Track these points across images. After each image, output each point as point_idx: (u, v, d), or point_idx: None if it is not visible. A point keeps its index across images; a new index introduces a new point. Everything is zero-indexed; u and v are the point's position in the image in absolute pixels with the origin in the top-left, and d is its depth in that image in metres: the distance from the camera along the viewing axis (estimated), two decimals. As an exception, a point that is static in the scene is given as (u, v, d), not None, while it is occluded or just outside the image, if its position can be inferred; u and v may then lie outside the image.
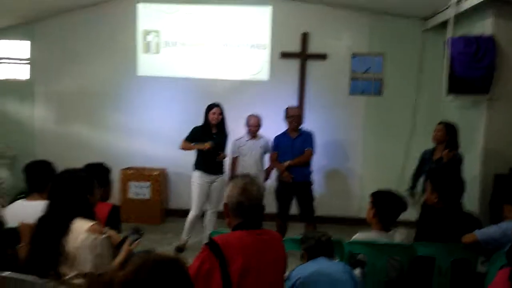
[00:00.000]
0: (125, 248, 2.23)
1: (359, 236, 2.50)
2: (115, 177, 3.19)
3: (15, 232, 2.09)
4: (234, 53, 5.59)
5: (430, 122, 4.52)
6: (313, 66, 5.53)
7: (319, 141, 4.65)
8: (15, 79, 5.76)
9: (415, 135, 5.39)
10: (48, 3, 5.27)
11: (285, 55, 5.52)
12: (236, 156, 4.58)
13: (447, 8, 4.57)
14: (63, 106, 5.74)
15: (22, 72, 5.76)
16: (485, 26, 4.25)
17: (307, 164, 4.33)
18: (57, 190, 2.04)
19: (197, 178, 4.33)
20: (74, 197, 2.01)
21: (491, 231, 2.43)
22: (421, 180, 3.96)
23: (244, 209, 1.79)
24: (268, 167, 4.68)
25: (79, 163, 2.50)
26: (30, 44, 5.68)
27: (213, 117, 4.25)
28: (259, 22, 5.55)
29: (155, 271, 1.14)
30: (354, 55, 5.52)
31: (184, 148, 4.32)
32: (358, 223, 4.56)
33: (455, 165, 3.66)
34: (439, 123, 3.99)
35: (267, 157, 4.62)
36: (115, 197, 3.65)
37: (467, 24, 4.55)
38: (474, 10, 4.29)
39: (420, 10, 5.20)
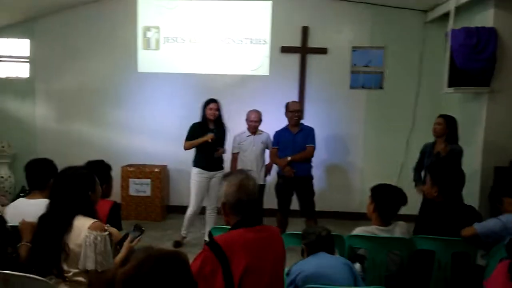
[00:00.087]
0: (126, 245, 2.24)
1: (359, 230, 2.51)
2: (116, 174, 3.19)
3: (16, 230, 2.10)
4: (234, 48, 5.57)
5: (431, 115, 4.50)
6: (313, 60, 5.51)
7: (320, 136, 4.64)
8: (15, 77, 5.76)
9: (416, 129, 5.38)
10: (47, 0, 5.25)
11: (286, 50, 5.50)
12: (237, 152, 4.59)
13: (448, 0, 4.54)
14: (63, 103, 5.74)
15: (23, 70, 5.77)
16: (486, 18, 4.22)
17: (308, 160, 4.33)
18: (59, 188, 2.05)
19: (195, 175, 4.34)
20: (75, 195, 2.02)
21: (490, 224, 2.43)
22: (423, 173, 3.96)
23: (243, 205, 1.77)
24: (269, 163, 4.68)
25: (80, 161, 2.51)
26: (29, 42, 5.68)
27: (210, 112, 4.25)
28: (259, 17, 5.52)
29: (157, 266, 1.14)
30: (354, 49, 5.50)
31: (188, 148, 4.32)
32: (359, 217, 4.57)
33: (455, 158, 3.65)
34: (439, 116, 3.99)
35: (267, 152, 4.62)
36: (115, 195, 3.66)
37: (468, 16, 4.52)
38: (475, 1, 4.27)
39: (421, 2, 5.18)
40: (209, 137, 4.17)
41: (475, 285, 2.47)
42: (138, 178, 5.33)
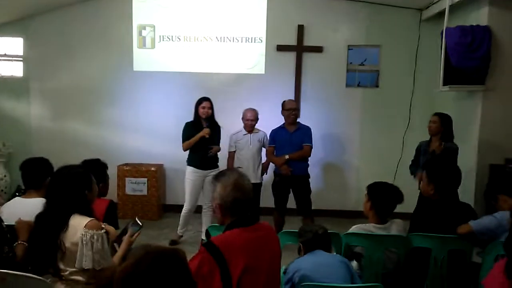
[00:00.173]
0: (126, 240, 2.24)
1: (356, 228, 2.52)
2: (112, 173, 3.18)
3: (12, 230, 2.09)
4: (230, 46, 5.56)
5: (426, 114, 4.53)
6: (309, 59, 5.52)
7: (316, 134, 4.65)
8: (10, 76, 5.72)
9: (411, 127, 5.40)
10: (41, -2, 5.24)
11: (281, 48, 5.50)
12: (233, 151, 4.58)
13: (442, -2, 4.57)
14: (58, 102, 5.71)
15: (17, 69, 5.72)
16: (480, 16, 4.25)
17: (305, 158, 4.34)
18: (55, 187, 2.04)
19: (189, 174, 4.34)
20: (72, 194, 2.01)
21: (486, 221, 2.44)
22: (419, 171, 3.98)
23: (240, 205, 1.75)
24: (266, 161, 4.69)
25: (75, 160, 2.50)
26: (23, 40, 5.64)
27: (203, 111, 4.24)
28: (254, 15, 5.52)
29: (155, 263, 1.14)
30: (350, 47, 5.51)
31: (187, 148, 4.29)
32: (356, 215, 4.58)
33: (451, 156, 3.67)
34: (434, 114, 4.01)
35: (264, 151, 4.62)
36: (111, 194, 3.65)
37: (462, 14, 4.54)
38: (469, 0, 4.29)
39: (416, 1, 5.20)
40: (205, 132, 4.17)
41: (471, 282, 2.49)
42: (135, 177, 5.32)
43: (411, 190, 3.82)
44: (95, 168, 2.49)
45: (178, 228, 4.51)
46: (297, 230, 2.41)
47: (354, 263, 2.41)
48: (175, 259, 1.18)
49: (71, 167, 2.11)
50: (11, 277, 1.78)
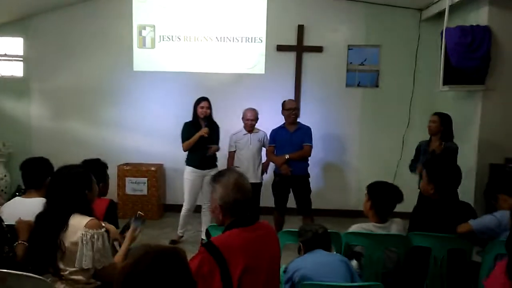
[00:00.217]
0: (128, 235, 2.25)
1: (356, 227, 2.52)
2: (112, 173, 3.19)
3: (12, 229, 2.10)
4: (230, 46, 5.57)
5: (426, 114, 4.52)
6: (309, 59, 5.52)
7: (316, 134, 4.65)
8: (10, 76, 5.73)
9: (411, 127, 5.40)
10: (41, -2, 5.24)
11: (281, 48, 5.51)
12: (234, 150, 4.59)
13: (442, -2, 4.57)
14: (59, 102, 5.71)
15: (17, 69, 5.73)
16: (480, 16, 4.25)
17: (305, 158, 4.34)
18: (55, 187, 2.04)
19: (188, 174, 4.35)
20: (72, 193, 2.01)
21: (486, 220, 2.44)
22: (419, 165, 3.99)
23: (241, 205, 1.75)
24: (266, 161, 4.69)
25: (75, 160, 2.50)
26: (23, 40, 5.64)
27: (201, 111, 4.25)
28: (254, 15, 5.52)
29: (155, 263, 1.14)
30: (350, 47, 5.51)
31: (187, 148, 4.29)
32: (356, 215, 4.59)
33: (451, 156, 3.67)
34: (434, 114, 4.01)
35: (264, 150, 4.62)
36: (111, 193, 3.65)
37: (462, 14, 4.54)
38: (469, 0, 4.29)
39: (416, 1, 5.20)
40: (203, 131, 4.17)
41: (470, 281, 2.49)
42: (135, 177, 5.32)
43: (411, 190, 3.82)
44: (95, 168, 2.50)
45: (178, 229, 4.53)
46: (297, 230, 2.41)
47: (354, 262, 2.41)
48: (175, 258, 1.18)
49: (71, 167, 2.12)
50: (12, 277, 1.79)
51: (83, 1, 5.49)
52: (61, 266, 1.95)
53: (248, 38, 5.55)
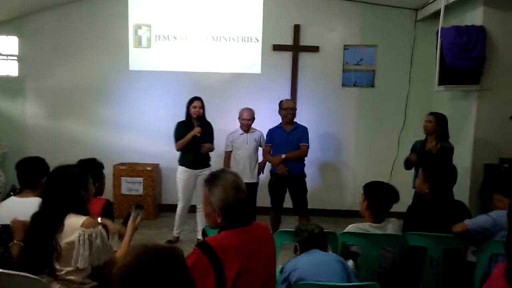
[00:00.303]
0: (130, 225, 2.25)
1: (352, 227, 2.53)
2: (108, 173, 3.18)
3: (7, 229, 2.08)
4: (226, 46, 5.56)
5: (422, 113, 4.54)
6: (305, 59, 5.52)
7: (312, 134, 4.64)
8: (5, 75, 5.69)
9: (407, 127, 5.42)
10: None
11: (277, 48, 5.51)
12: (230, 150, 4.58)
13: (437, -2, 4.59)
14: (54, 102, 5.68)
15: (12, 68, 5.69)
16: (475, 16, 4.27)
17: (301, 158, 4.34)
18: (51, 186, 2.03)
19: (180, 174, 4.35)
20: (68, 193, 2.01)
21: (481, 220, 2.46)
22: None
23: (239, 206, 1.74)
24: (262, 161, 4.69)
25: (71, 159, 2.48)
26: (18, 39, 5.61)
27: (194, 110, 4.25)
28: (250, 15, 5.52)
29: (153, 261, 1.14)
30: (346, 47, 5.52)
31: (180, 148, 4.29)
32: (352, 215, 4.60)
33: (447, 156, 3.69)
34: (429, 114, 4.03)
35: (260, 150, 4.62)
36: (107, 193, 3.64)
37: (458, 14, 4.57)
38: (465, 0, 4.31)
39: (411, 1, 5.21)
40: (196, 131, 4.17)
41: (466, 281, 2.50)
42: (130, 176, 5.31)
43: (406, 189, 3.84)
44: (91, 168, 2.49)
45: (174, 229, 4.52)
46: (293, 230, 2.41)
47: (350, 262, 2.42)
48: (173, 257, 1.18)
49: (67, 167, 2.11)
50: (7, 277, 1.78)
51: (78, 0, 5.46)
52: (57, 266, 1.94)
53: (245, 38, 5.55)
